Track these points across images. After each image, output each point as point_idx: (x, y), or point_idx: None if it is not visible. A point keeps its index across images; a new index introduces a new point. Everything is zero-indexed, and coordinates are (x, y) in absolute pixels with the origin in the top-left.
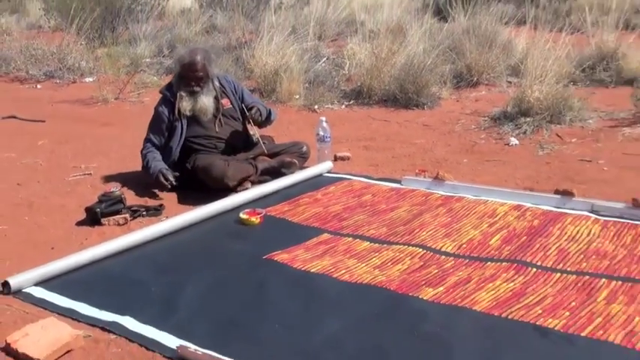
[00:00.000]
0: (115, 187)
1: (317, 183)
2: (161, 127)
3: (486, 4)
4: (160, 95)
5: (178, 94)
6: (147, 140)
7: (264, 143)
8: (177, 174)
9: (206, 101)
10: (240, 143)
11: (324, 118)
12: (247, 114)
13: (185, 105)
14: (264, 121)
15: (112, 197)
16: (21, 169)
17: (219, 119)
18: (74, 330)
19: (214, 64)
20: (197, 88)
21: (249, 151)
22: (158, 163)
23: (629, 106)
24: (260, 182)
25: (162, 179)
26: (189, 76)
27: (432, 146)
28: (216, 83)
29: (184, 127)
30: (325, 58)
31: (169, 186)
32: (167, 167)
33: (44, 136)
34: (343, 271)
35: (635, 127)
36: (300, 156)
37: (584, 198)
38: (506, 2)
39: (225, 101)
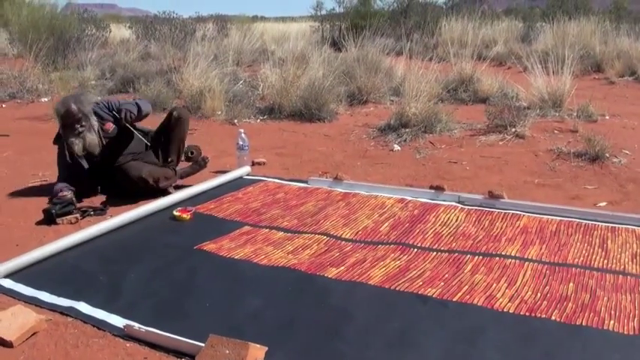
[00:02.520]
0: (67, 192)
1: (238, 184)
2: (69, 168)
3: (372, 37)
4: (55, 145)
5: (69, 142)
6: (59, 180)
7: (191, 151)
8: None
9: (91, 137)
10: (137, 148)
11: (242, 130)
12: (119, 118)
13: (77, 148)
14: (137, 118)
15: (64, 200)
16: None
17: (106, 145)
18: (38, 315)
19: (86, 102)
20: (81, 129)
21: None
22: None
23: (484, 119)
24: (184, 186)
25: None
26: (69, 122)
27: (332, 152)
28: (94, 119)
29: (85, 164)
30: (242, 81)
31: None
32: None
33: (8, 148)
34: (262, 257)
35: (488, 136)
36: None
37: (452, 192)
38: (387, 37)
39: (107, 125)
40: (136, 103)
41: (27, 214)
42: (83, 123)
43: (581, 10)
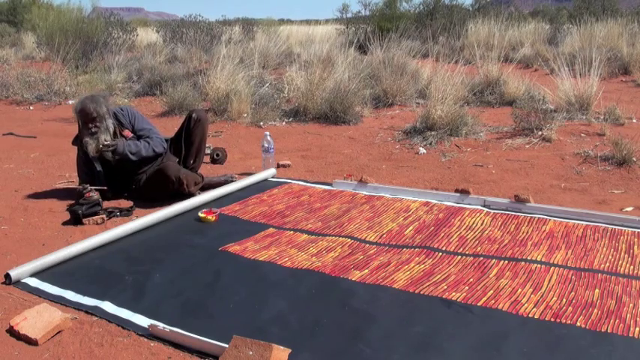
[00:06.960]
0: (93, 192)
1: (263, 186)
2: (86, 171)
3: (398, 40)
4: (75, 147)
5: (84, 141)
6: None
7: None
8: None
9: (105, 139)
10: (148, 160)
11: (268, 133)
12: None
13: (91, 148)
14: (127, 156)
15: (90, 201)
16: (18, 178)
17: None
18: (63, 314)
19: (103, 103)
20: (95, 129)
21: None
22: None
23: (510, 122)
24: (210, 189)
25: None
26: (85, 121)
27: (356, 155)
28: (110, 122)
29: (98, 166)
30: (268, 84)
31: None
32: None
33: (36, 149)
34: (286, 259)
35: (515, 139)
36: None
37: (478, 195)
38: (413, 39)
39: (126, 132)
40: (153, 148)
41: (54, 214)
42: (97, 123)
43: (609, 12)
